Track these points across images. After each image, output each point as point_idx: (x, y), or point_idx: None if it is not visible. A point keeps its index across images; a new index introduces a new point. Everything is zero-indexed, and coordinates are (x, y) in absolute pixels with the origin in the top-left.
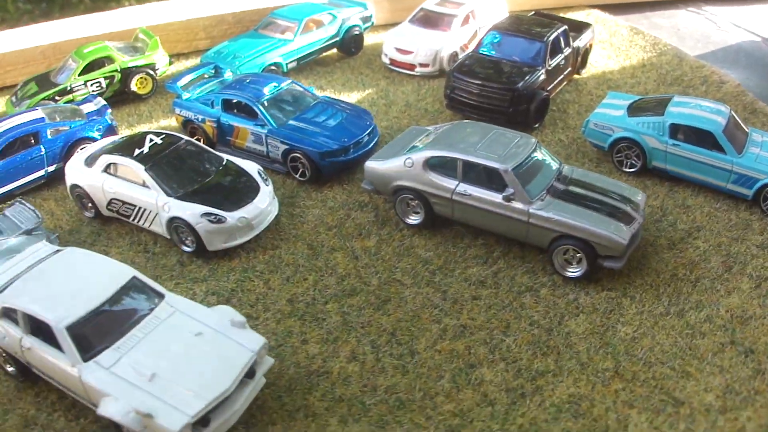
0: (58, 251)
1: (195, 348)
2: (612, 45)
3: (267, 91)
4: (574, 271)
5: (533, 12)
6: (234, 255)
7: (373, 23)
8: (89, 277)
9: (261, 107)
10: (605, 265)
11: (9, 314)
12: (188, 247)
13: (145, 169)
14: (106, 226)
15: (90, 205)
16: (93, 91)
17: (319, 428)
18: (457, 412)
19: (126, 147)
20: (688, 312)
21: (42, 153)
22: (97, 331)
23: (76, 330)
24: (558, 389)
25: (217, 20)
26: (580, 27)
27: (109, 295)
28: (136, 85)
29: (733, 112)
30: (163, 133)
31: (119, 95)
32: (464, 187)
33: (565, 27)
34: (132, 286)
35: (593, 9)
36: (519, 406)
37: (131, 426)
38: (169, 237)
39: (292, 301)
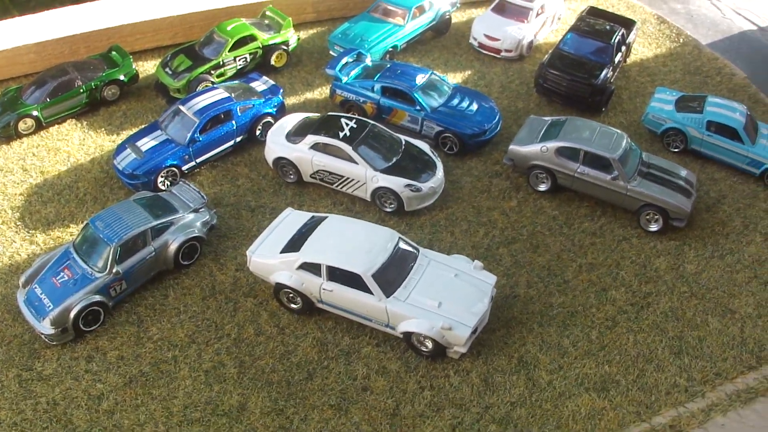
0: (314, 217)
1: (457, 284)
2: (645, 33)
3: (418, 80)
4: (653, 228)
5: (587, 8)
6: (420, 214)
7: (458, 6)
8: (366, 238)
9: (419, 95)
10: (674, 224)
11: (306, 267)
12: (389, 208)
13: (353, 149)
14: (304, 188)
15: (291, 173)
16: (239, 65)
17: (527, 330)
18: (607, 318)
19: (329, 129)
20: (725, 256)
21: (234, 127)
22: (389, 276)
23: (377, 276)
24: (660, 304)
25: None
26: (628, 24)
27: (391, 251)
28: (274, 59)
29: (749, 111)
30: (352, 117)
31: (259, 67)
32: (583, 168)
33: (623, 30)
34: (399, 243)
35: None
36: (641, 314)
37: (435, 336)
38: (369, 200)
39: (474, 246)
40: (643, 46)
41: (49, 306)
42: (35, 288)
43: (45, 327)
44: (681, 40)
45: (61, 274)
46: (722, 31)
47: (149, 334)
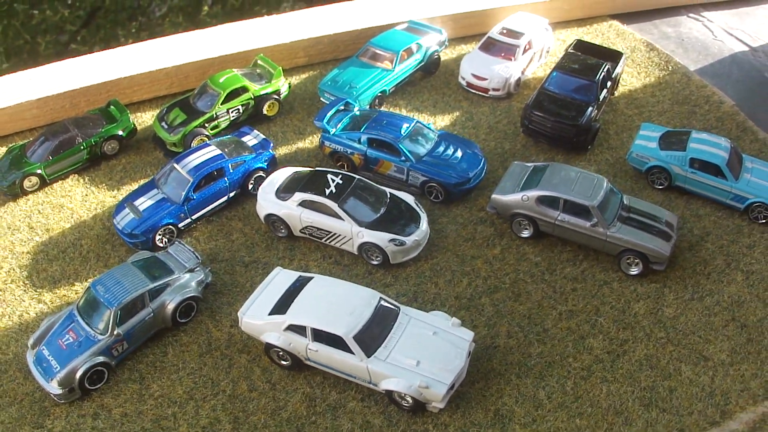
0: (300, 277)
1: (435, 341)
2: (634, 62)
3: (403, 131)
4: (633, 272)
5: (574, 42)
6: (406, 265)
7: (446, 45)
8: (349, 299)
9: (403, 146)
10: (654, 267)
11: (293, 328)
12: (375, 261)
13: (338, 206)
14: (295, 243)
15: (282, 228)
16: (232, 117)
17: (505, 382)
18: (583, 367)
19: (316, 186)
20: (704, 298)
21: (227, 184)
22: (370, 336)
23: (359, 338)
24: (637, 351)
25: (315, 42)
26: (615, 56)
27: (372, 312)
28: (267, 109)
29: (733, 145)
30: (338, 173)
31: (252, 117)
32: (563, 216)
33: (609, 65)
34: (381, 302)
35: (613, 20)
36: (617, 362)
37: (414, 394)
38: (356, 254)
39: (458, 297)
40: (631, 77)
41: (56, 367)
42: (43, 349)
43: (53, 387)
44: (670, 68)
45: (66, 336)
46: (713, 55)
47: (150, 390)
